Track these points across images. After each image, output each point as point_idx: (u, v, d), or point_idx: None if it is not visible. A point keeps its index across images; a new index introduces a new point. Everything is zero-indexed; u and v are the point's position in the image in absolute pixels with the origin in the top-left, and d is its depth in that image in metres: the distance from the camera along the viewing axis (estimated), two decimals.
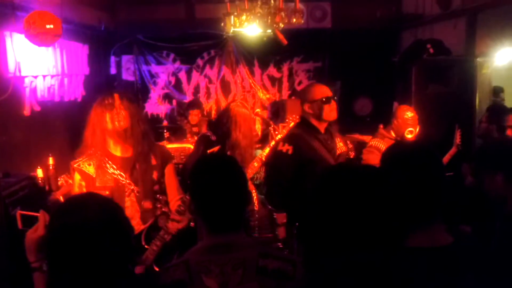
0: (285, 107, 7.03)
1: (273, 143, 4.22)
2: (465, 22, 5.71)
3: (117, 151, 3.00)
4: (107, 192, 2.88)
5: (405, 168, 1.74)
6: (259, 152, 4.46)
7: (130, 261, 1.72)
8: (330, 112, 3.54)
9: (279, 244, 3.52)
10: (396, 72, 6.42)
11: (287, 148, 3.49)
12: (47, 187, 4.50)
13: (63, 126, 5.60)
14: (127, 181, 2.95)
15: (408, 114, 4.23)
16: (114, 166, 2.96)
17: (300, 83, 8.04)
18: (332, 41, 7.71)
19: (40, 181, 4.42)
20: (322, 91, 3.59)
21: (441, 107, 5.28)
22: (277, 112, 7.48)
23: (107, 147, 2.99)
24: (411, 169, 1.73)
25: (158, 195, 3.07)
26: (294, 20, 5.01)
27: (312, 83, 7.53)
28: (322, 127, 3.59)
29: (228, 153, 3.94)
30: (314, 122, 3.57)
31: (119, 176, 2.95)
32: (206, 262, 1.82)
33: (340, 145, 3.73)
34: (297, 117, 4.03)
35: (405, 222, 1.69)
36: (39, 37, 3.49)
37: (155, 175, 3.06)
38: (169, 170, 3.16)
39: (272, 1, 4.87)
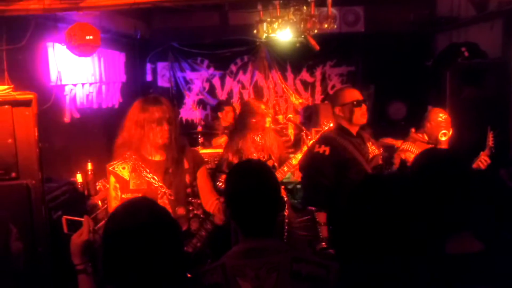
0: (318, 112, 7.03)
1: (305, 148, 4.26)
2: (502, 24, 5.59)
3: (151, 155, 3.08)
4: (140, 195, 2.97)
5: (433, 178, 1.76)
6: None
7: (182, 265, 1.76)
8: (361, 116, 3.59)
9: (323, 244, 3.53)
10: (430, 76, 6.34)
11: (324, 149, 3.55)
12: (86, 192, 4.64)
13: (101, 133, 5.76)
14: (160, 184, 3.03)
15: (441, 116, 4.20)
16: (148, 170, 3.04)
17: (333, 87, 8.03)
18: (365, 45, 7.67)
19: (79, 186, 4.56)
20: (353, 94, 3.64)
21: (477, 111, 5.19)
22: (310, 116, 7.49)
23: (142, 151, 3.07)
24: (438, 179, 1.75)
25: (190, 198, 3.14)
26: (326, 25, 5.04)
27: (343, 86, 7.54)
28: (354, 130, 3.64)
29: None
30: (346, 125, 3.62)
31: (152, 179, 3.03)
32: (242, 266, 1.87)
33: (373, 148, 3.74)
34: (331, 122, 4.06)
35: (436, 230, 1.71)
36: (79, 48, 3.63)
37: (187, 178, 3.14)
38: (201, 173, 3.22)
39: (305, 8, 4.92)
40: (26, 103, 3.04)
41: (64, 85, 4.82)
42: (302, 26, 5.21)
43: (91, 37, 3.58)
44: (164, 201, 3.01)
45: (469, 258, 1.68)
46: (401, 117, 7.57)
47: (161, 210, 1.78)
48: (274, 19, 5.00)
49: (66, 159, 4.71)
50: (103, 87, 5.81)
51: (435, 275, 1.60)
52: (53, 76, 4.45)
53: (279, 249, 1.94)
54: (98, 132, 5.75)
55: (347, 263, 1.63)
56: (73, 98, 5.05)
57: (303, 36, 5.29)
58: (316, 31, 5.30)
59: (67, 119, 4.90)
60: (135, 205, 1.75)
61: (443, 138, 4.13)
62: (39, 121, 3.18)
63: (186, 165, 3.15)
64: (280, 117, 7.60)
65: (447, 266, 1.65)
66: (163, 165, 3.08)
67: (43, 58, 4.32)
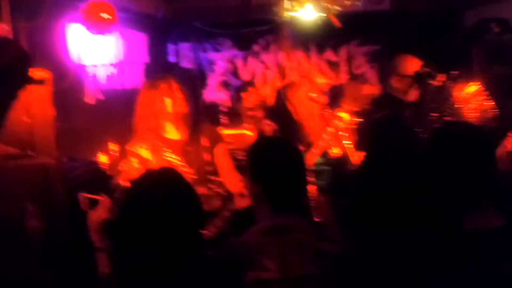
0: (343, 92, 6.92)
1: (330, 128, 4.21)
2: None
3: (170, 134, 3.08)
4: None
5: (453, 149, 1.69)
6: None
7: (199, 243, 1.69)
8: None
9: None
10: (458, 53, 6.16)
11: None
12: (108, 172, 4.65)
13: (124, 114, 5.74)
14: (180, 164, 3.02)
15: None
16: (167, 149, 3.04)
17: (358, 66, 7.87)
18: (391, 23, 7.47)
19: (102, 166, 4.58)
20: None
21: (506, 89, 5.02)
22: (335, 96, 7.37)
23: (160, 130, 3.07)
24: (459, 150, 1.68)
25: (210, 177, 3.13)
26: (350, 3, 4.94)
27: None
28: None
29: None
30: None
31: (171, 158, 3.02)
32: (265, 244, 1.84)
33: None
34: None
35: (457, 204, 1.65)
36: (95, 26, 3.62)
37: (206, 156, 3.12)
38: (220, 150, 3.19)
39: None
40: (42, 81, 3.04)
41: (85, 66, 4.83)
42: (325, 3, 5.10)
43: (107, 15, 3.57)
44: None
45: (489, 234, 1.62)
46: None
47: (183, 183, 1.71)
48: None
49: (88, 140, 4.73)
50: (126, 68, 5.81)
51: (449, 250, 1.54)
52: (74, 56, 4.46)
53: (303, 227, 1.91)
54: (121, 113, 5.73)
55: (359, 233, 1.60)
56: (95, 79, 5.06)
57: (325, 14, 5.18)
58: (339, 8, 5.18)
59: (89, 99, 4.92)
60: (155, 176, 1.69)
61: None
62: (60, 101, 3.18)
63: (204, 142, 3.14)
64: None
65: (465, 242, 1.60)
66: (181, 144, 3.09)
67: (62, 38, 4.32)
